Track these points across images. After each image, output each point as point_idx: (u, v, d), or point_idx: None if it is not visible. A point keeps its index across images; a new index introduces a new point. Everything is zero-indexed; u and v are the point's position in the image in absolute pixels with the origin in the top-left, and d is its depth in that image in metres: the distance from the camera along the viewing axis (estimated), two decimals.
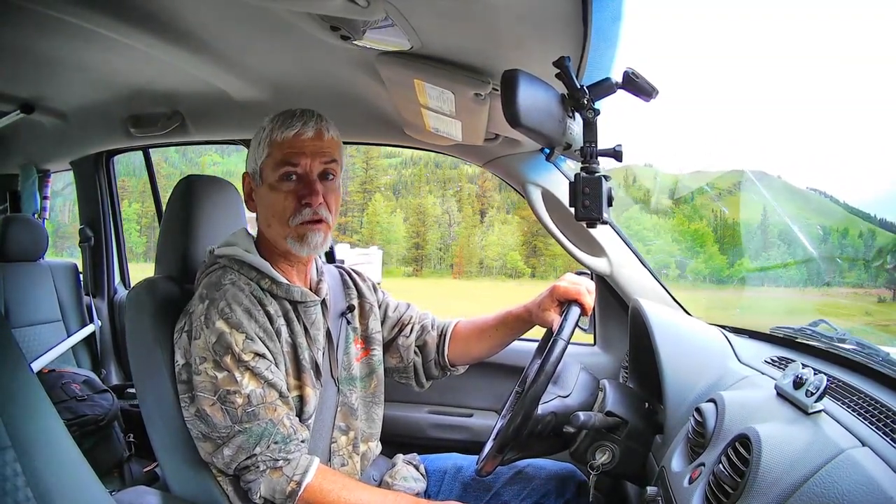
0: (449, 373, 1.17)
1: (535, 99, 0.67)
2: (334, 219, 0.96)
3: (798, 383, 0.71)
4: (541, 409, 0.91)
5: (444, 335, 1.14)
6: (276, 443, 0.85)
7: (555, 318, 1.00)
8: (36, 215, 2.24)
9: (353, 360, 1.05)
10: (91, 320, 2.13)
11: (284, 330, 0.93)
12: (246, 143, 1.65)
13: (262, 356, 0.87)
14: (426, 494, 1.08)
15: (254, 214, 1.00)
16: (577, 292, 0.99)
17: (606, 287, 1.48)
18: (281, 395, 0.88)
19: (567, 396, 0.96)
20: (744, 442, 0.65)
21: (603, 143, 0.75)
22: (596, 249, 1.43)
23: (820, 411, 0.67)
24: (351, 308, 1.07)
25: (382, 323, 1.14)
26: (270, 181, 0.92)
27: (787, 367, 0.81)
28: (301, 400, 0.93)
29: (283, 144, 0.91)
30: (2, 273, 1.91)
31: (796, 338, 1.05)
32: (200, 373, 0.86)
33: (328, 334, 1.00)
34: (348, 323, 1.06)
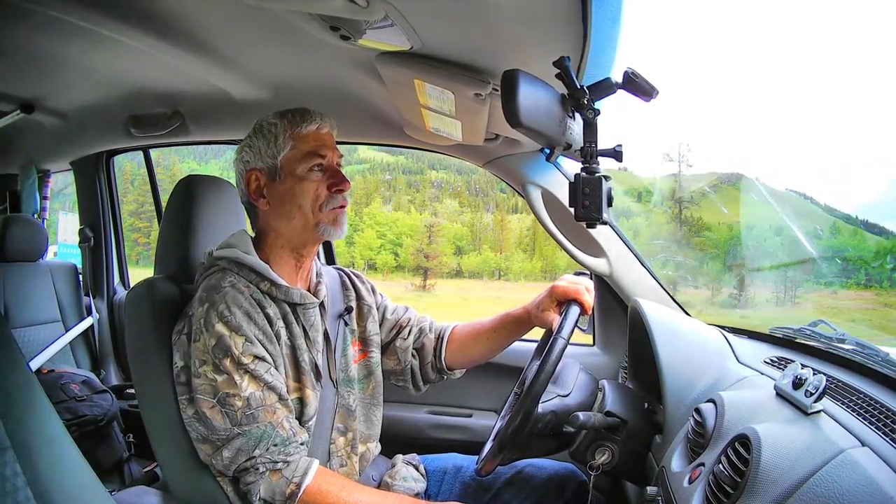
0: (446, 376, 1.16)
1: (535, 99, 0.67)
2: None
3: (797, 383, 0.71)
4: (540, 407, 0.91)
5: (442, 338, 1.14)
6: (275, 445, 0.85)
7: (554, 317, 1.01)
8: (35, 215, 2.23)
9: (350, 362, 1.05)
10: (90, 314, 2.13)
11: (284, 332, 0.93)
12: None
13: (262, 359, 0.87)
14: (426, 495, 1.08)
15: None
16: (577, 291, 0.99)
17: (606, 287, 1.48)
18: (280, 397, 0.88)
19: (567, 396, 0.96)
20: (743, 442, 0.65)
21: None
22: (595, 250, 1.43)
23: (819, 411, 0.67)
24: (349, 310, 1.07)
25: (380, 325, 1.14)
26: (299, 173, 0.94)
27: (786, 367, 0.81)
28: (301, 402, 0.93)
29: (308, 137, 0.95)
30: (1, 273, 1.91)
31: (795, 338, 1.05)
32: (200, 375, 0.86)
33: (326, 336, 1.00)
34: (346, 324, 1.06)
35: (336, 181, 0.96)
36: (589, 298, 1.00)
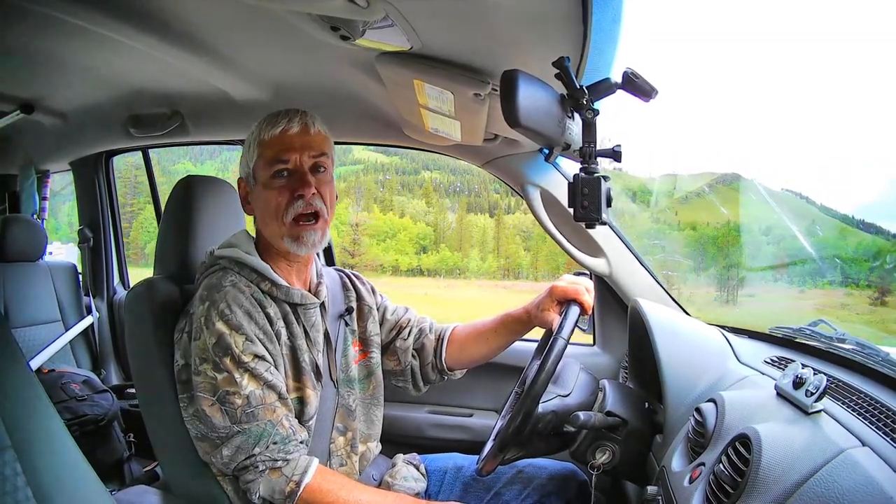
0: (446, 377, 1.16)
1: (534, 99, 0.67)
2: (331, 212, 0.96)
3: (798, 383, 0.71)
4: (541, 407, 0.91)
5: (442, 339, 1.14)
6: (274, 443, 0.85)
7: (554, 317, 1.01)
8: (35, 216, 2.23)
9: (351, 362, 1.05)
10: (90, 314, 2.13)
11: (284, 332, 0.93)
12: None
13: (262, 358, 0.87)
14: (426, 494, 1.08)
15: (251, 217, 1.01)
16: (576, 291, 0.99)
17: (606, 287, 1.48)
18: (280, 396, 0.88)
19: (567, 396, 0.96)
20: (744, 442, 0.65)
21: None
22: (595, 250, 1.43)
23: (820, 411, 0.67)
24: (349, 310, 1.07)
25: (380, 325, 1.14)
26: (263, 180, 0.93)
27: (786, 367, 0.81)
28: (301, 402, 0.93)
29: (271, 143, 0.92)
30: (1, 273, 1.91)
31: (796, 338, 1.05)
32: (200, 374, 0.86)
33: (326, 336, 1.00)
34: (346, 325, 1.06)
35: (296, 186, 0.91)
36: (589, 298, 1.00)
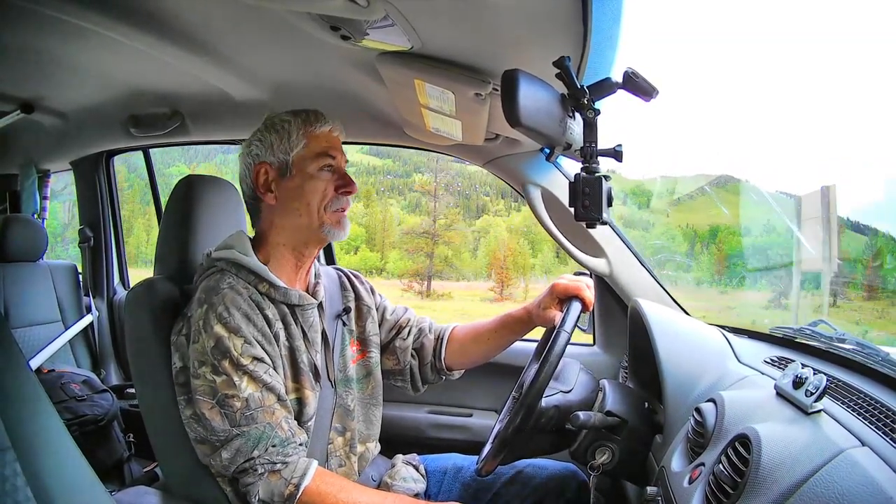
0: (445, 377, 1.16)
1: (535, 99, 0.67)
2: None
3: (798, 383, 0.71)
4: (543, 402, 0.91)
5: (442, 339, 1.14)
6: (273, 446, 0.85)
7: (556, 315, 1.01)
8: (35, 215, 2.24)
9: (349, 362, 1.05)
10: (89, 313, 2.13)
11: (282, 333, 0.93)
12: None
13: (261, 360, 0.87)
14: (426, 495, 1.08)
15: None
16: (577, 288, 1.00)
17: (606, 287, 1.48)
18: (279, 398, 0.88)
19: (569, 392, 0.96)
20: (743, 442, 0.65)
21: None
22: (595, 250, 1.43)
23: (819, 411, 0.67)
24: (347, 310, 1.07)
25: (380, 325, 1.14)
26: (309, 171, 0.95)
27: (786, 367, 0.81)
28: (300, 403, 0.93)
29: (320, 137, 0.97)
30: (1, 273, 1.91)
31: (796, 338, 1.05)
32: (199, 377, 0.86)
33: (324, 336, 1.00)
34: (344, 325, 1.06)
35: (344, 183, 0.98)
36: (589, 294, 1.00)
